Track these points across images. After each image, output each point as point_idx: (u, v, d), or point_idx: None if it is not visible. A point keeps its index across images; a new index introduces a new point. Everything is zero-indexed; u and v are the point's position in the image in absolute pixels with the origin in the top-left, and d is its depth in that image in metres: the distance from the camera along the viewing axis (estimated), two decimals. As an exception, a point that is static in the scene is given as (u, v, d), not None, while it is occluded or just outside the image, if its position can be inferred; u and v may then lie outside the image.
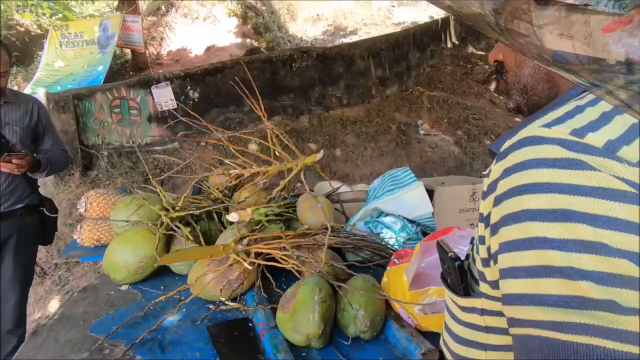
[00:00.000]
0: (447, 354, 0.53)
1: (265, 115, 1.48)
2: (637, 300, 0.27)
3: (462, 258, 0.49)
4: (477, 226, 0.45)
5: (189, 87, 4.38)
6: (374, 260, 1.20)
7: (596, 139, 0.31)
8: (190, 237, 1.23)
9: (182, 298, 1.08)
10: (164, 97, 4.20)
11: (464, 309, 0.47)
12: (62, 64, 6.16)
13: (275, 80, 5.00)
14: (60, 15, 7.53)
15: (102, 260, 1.21)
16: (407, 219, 1.36)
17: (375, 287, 0.93)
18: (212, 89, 4.56)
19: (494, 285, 0.41)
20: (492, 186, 0.38)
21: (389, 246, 1.26)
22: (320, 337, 0.81)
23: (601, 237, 0.28)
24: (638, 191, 0.29)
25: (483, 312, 0.44)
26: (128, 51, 7.19)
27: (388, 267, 1.00)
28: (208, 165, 4.14)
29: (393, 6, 11.94)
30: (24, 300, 1.85)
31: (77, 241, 1.54)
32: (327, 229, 1.16)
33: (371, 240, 1.20)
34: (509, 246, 0.34)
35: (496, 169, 0.38)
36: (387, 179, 1.45)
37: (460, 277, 0.46)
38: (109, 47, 6.23)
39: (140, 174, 3.74)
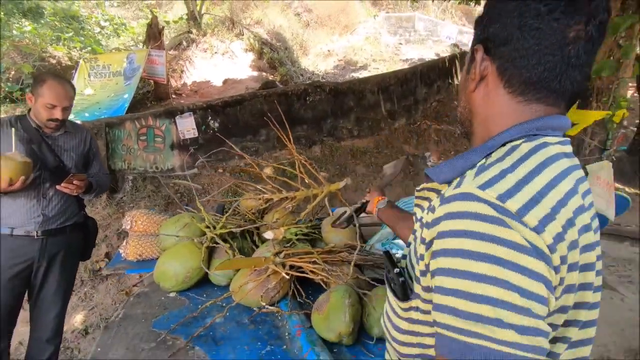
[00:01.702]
0: (386, 335, 0.68)
1: (294, 147, 1.69)
2: (515, 319, 0.42)
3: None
4: (415, 244, 0.58)
5: (209, 118, 4.68)
6: (378, 276, 1.37)
7: (512, 205, 0.45)
8: (229, 252, 1.41)
9: (224, 304, 1.25)
10: (187, 126, 4.49)
11: (403, 309, 0.61)
12: (91, 92, 6.58)
13: (290, 112, 5.30)
14: (90, 48, 8.09)
15: (153, 271, 1.39)
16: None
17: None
18: (231, 120, 4.85)
19: (427, 289, 0.54)
20: (436, 222, 0.50)
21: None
22: (350, 335, 0.97)
23: (506, 276, 0.43)
24: (531, 246, 0.43)
25: (417, 309, 0.58)
26: (151, 82, 7.64)
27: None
28: (226, 190, 4.36)
29: (400, 44, 12.54)
30: (64, 313, 2.00)
31: (122, 255, 1.72)
32: (350, 247, 1.33)
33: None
34: (443, 271, 0.47)
35: (440, 210, 0.50)
36: (401, 206, 1.63)
37: (402, 288, 0.59)
38: (134, 78, 6.65)
39: (162, 197, 3.96)
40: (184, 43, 8.95)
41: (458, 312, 0.45)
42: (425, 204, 0.68)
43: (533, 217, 0.45)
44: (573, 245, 0.48)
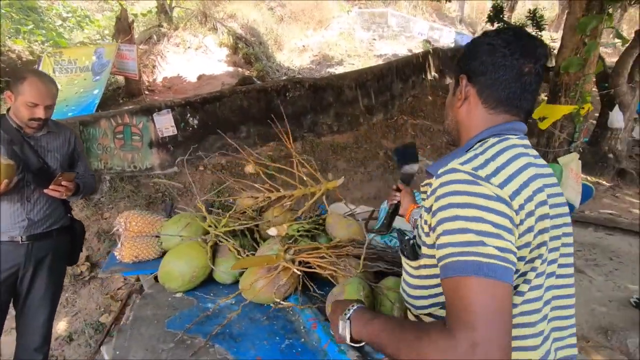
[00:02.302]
0: (404, 296, 0.85)
1: (292, 147, 1.70)
2: (492, 242, 0.62)
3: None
4: (421, 222, 0.77)
5: (188, 115, 4.57)
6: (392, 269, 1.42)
7: (482, 173, 0.68)
8: (233, 250, 1.41)
9: (233, 302, 1.26)
10: (165, 123, 4.37)
11: (414, 267, 0.80)
12: (57, 89, 6.24)
13: (270, 108, 5.26)
14: (52, 42, 7.66)
15: (155, 272, 1.37)
16: (406, 231, 1.59)
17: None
18: (210, 116, 4.77)
19: (431, 246, 0.72)
20: (433, 192, 0.71)
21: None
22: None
23: (481, 215, 0.64)
24: (496, 195, 0.65)
25: (425, 266, 0.77)
26: (120, 78, 7.35)
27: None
28: (210, 188, 4.29)
29: (374, 39, 12.68)
30: (52, 319, 1.93)
31: (117, 257, 1.68)
32: (354, 241, 1.37)
33: (392, 251, 1.42)
34: (441, 221, 0.67)
35: (435, 182, 0.71)
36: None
37: (412, 250, 0.79)
38: (103, 73, 6.37)
39: (142, 197, 3.85)
40: (155, 37, 8.65)
41: (454, 244, 0.64)
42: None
43: (496, 180, 0.68)
44: (528, 201, 0.69)
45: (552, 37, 10.81)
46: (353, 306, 0.81)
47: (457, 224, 0.65)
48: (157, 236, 1.73)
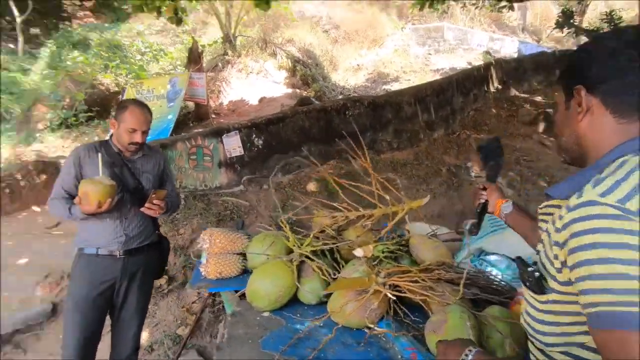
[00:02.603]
0: (528, 330, 0.77)
1: (370, 165, 1.67)
2: None
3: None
4: (546, 250, 0.71)
5: (254, 135, 4.78)
6: (483, 295, 1.30)
7: (631, 206, 0.57)
8: (317, 270, 1.40)
9: (322, 324, 1.23)
10: (233, 144, 4.60)
11: (541, 302, 0.72)
12: (137, 116, 6.91)
13: (330, 127, 5.33)
14: (134, 74, 8.55)
15: (242, 289, 1.39)
16: (511, 258, 1.46)
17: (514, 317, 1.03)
18: (274, 137, 4.94)
19: (566, 283, 0.66)
20: (566, 226, 0.63)
21: (502, 283, 1.36)
22: (476, 359, 0.92)
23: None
24: None
25: (556, 302, 0.69)
26: (190, 103, 7.95)
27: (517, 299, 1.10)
28: (274, 206, 4.40)
29: (430, 54, 12.47)
30: (141, 330, 2.05)
31: (203, 274, 1.75)
32: (443, 265, 1.29)
33: (486, 277, 1.31)
34: (585, 262, 0.59)
35: (568, 216, 0.63)
36: (486, 221, 1.57)
37: (538, 284, 0.71)
38: (177, 100, 6.94)
39: (213, 215, 4.04)
40: (220, 65, 9.30)
41: (609, 291, 0.56)
42: (549, 218, 0.78)
43: None
44: None
45: (634, 40, 9.79)
46: (470, 351, 0.75)
47: (610, 268, 0.57)
48: (240, 254, 1.78)
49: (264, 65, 9.20)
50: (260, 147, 4.83)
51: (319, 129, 5.27)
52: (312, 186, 4.90)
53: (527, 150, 6.65)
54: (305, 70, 9.24)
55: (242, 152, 4.65)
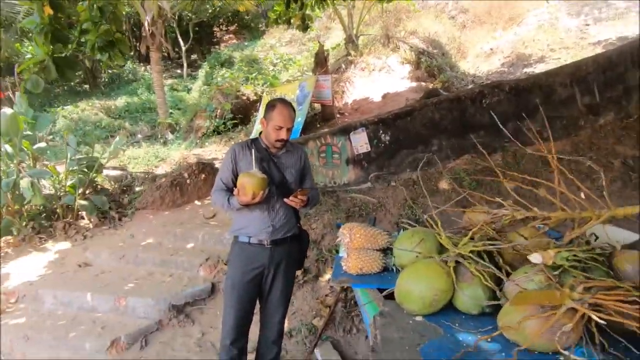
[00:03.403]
0: None
1: (554, 158, 1.38)
2: None
3: None
4: None
5: (381, 132, 4.68)
6: None
7: None
8: (478, 274, 1.20)
9: (490, 340, 1.03)
10: (360, 141, 4.60)
11: None
12: (272, 120, 7.61)
13: (464, 118, 4.85)
14: (268, 83, 9.46)
15: (395, 289, 1.29)
16: None
17: None
18: (401, 131, 4.75)
19: None
20: None
21: None
22: None
23: None
24: None
25: None
26: (316, 105, 8.35)
27: None
28: (402, 203, 4.23)
29: (587, 24, 10.31)
30: (285, 317, 2.17)
31: (344, 268, 1.73)
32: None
33: None
34: None
35: None
36: None
37: None
38: (305, 103, 7.36)
39: (342, 211, 4.11)
40: (343, 66, 9.52)
41: None
42: None
43: None
44: None
45: None
46: None
47: None
48: (380, 250, 1.69)
49: (386, 61, 9.04)
50: (387, 142, 4.70)
51: (451, 121, 4.85)
52: (444, 183, 4.53)
53: None
54: (430, 62, 8.72)
55: (369, 149, 4.60)
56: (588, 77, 5.51)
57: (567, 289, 0.94)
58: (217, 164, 5.84)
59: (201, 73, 12.19)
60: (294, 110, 2.02)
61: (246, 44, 15.00)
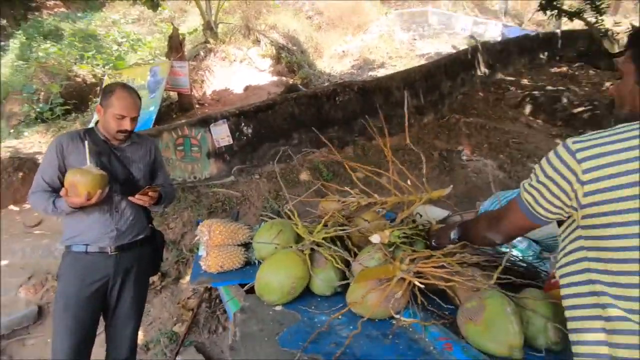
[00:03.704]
0: None
1: (389, 151, 1.58)
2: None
3: None
4: None
5: (243, 124, 4.62)
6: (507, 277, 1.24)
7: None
8: (330, 258, 1.31)
9: (341, 317, 1.14)
10: (221, 134, 4.44)
11: None
12: (117, 108, 6.62)
13: (321, 114, 5.20)
14: (112, 64, 8.18)
15: (255, 282, 1.29)
16: (531, 239, 1.40)
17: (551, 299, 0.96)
18: (263, 125, 4.79)
19: None
20: None
21: (524, 264, 1.29)
22: (521, 348, 0.85)
23: None
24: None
25: None
26: (173, 94, 7.67)
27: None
28: (264, 196, 4.28)
29: (415, 39, 12.37)
30: (138, 330, 1.93)
31: (203, 268, 1.64)
32: (466, 247, 1.21)
33: (518, 260, 1.24)
34: None
35: None
36: (503, 200, 1.51)
37: None
38: (158, 91, 6.66)
39: (204, 207, 3.90)
40: (202, 53, 8.98)
41: None
42: None
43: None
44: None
45: (615, 22, 9.94)
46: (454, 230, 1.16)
47: None
48: (241, 245, 1.67)
49: (247, 52, 8.93)
50: (249, 135, 4.68)
51: (310, 116, 5.14)
52: (304, 175, 4.79)
53: (516, 132, 6.68)
54: (290, 57, 9.02)
55: (231, 142, 4.49)
56: (415, 83, 6.63)
57: (398, 262, 1.11)
58: (41, 159, 4.75)
59: (13, 44, 9.62)
60: (139, 97, 1.78)
61: (79, 15, 12.54)
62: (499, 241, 0.97)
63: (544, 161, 0.81)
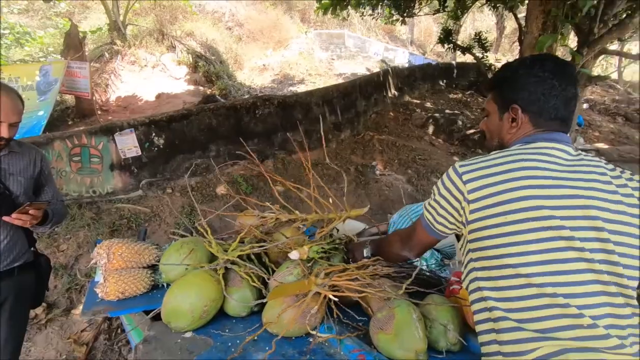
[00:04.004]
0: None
1: (311, 170, 1.59)
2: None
3: None
4: None
5: (154, 134, 4.28)
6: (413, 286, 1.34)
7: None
8: (246, 277, 1.26)
9: (256, 338, 1.10)
10: (128, 144, 4.05)
11: None
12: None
13: (240, 126, 5.10)
14: (-12, 59, 6.97)
15: (161, 308, 1.18)
16: (433, 248, 1.53)
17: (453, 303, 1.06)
18: (177, 135, 4.50)
19: None
20: None
21: (427, 273, 1.41)
22: (425, 352, 0.91)
23: None
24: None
25: None
26: (69, 98, 6.82)
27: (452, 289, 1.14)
28: (180, 211, 4.00)
29: (333, 59, 12.98)
30: (14, 369, 1.61)
31: (100, 295, 1.44)
32: (378, 260, 1.28)
33: (422, 269, 1.34)
34: None
35: None
36: (411, 213, 1.63)
37: None
38: (50, 93, 5.86)
39: (105, 225, 3.48)
40: (107, 55, 8.18)
41: None
42: None
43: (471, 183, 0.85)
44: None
45: (496, 58, 11.70)
46: (367, 245, 1.27)
47: None
48: (148, 267, 1.52)
49: (160, 58, 8.40)
50: (161, 146, 4.35)
51: (228, 128, 4.99)
52: (222, 189, 4.60)
53: (421, 150, 7.37)
54: (208, 67, 8.72)
55: (140, 153, 4.13)
56: (333, 100, 6.93)
57: (313, 276, 1.12)
58: None
59: None
60: (21, 101, 1.53)
61: (-55, -2, 10.50)
62: (412, 257, 1.09)
63: (439, 182, 0.91)
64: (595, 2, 4.04)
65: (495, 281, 0.78)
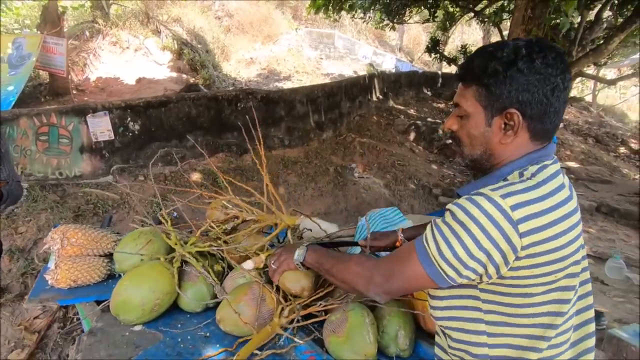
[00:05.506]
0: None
1: (265, 172, 1.55)
2: None
3: None
4: None
5: (129, 119, 4.15)
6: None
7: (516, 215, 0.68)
8: (202, 271, 1.23)
9: (208, 334, 1.08)
10: (101, 127, 3.91)
11: None
12: (-40, 80, 5.34)
13: (220, 118, 5.01)
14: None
15: (110, 299, 1.13)
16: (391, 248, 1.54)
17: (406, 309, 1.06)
18: (154, 122, 4.38)
19: None
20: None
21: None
22: (375, 356, 0.90)
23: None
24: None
25: None
26: (43, 74, 6.54)
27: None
28: (148, 200, 3.89)
29: (321, 58, 12.96)
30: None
31: (50, 282, 1.38)
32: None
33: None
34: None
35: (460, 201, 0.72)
36: (377, 218, 1.63)
37: None
38: (23, 67, 5.61)
39: (69, 209, 3.35)
40: (87, 33, 7.90)
41: None
42: None
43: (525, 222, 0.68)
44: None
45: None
46: (305, 244, 1.02)
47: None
48: (105, 255, 1.46)
49: (144, 42, 8.17)
50: (136, 132, 4.23)
51: (208, 119, 4.90)
52: (196, 177, 4.51)
53: (401, 155, 7.46)
54: (193, 55, 8.54)
55: (113, 137, 3.99)
56: (318, 100, 6.91)
57: (277, 317, 1.07)
58: None
59: None
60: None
61: None
62: (382, 302, 0.82)
63: (469, 224, 0.68)
64: (575, 25, 4.19)
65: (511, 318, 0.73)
